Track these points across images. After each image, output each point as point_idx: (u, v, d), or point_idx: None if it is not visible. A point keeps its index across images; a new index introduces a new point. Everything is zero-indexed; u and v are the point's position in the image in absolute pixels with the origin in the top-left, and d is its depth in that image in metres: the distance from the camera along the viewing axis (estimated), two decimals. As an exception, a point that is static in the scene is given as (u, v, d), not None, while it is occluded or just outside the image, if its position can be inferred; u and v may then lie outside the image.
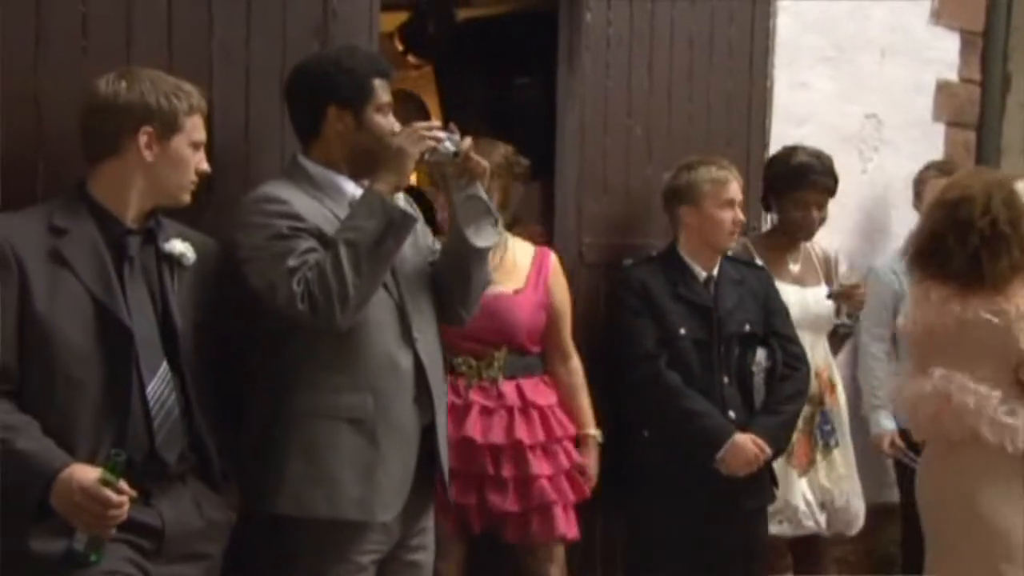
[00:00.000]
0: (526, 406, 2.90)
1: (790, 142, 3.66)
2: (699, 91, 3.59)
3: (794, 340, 3.22)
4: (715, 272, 3.17)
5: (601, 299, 3.32)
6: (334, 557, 2.30)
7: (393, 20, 4.47)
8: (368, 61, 2.39)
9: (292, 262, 2.18)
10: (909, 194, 4.07)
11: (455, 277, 2.44)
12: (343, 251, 2.17)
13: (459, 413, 2.82)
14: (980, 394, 2.68)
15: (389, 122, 2.35)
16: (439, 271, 2.47)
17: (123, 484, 1.95)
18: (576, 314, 3.11)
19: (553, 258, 3.06)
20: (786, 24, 3.87)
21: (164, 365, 2.13)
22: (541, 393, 2.95)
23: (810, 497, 3.39)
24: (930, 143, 4.41)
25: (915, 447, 3.39)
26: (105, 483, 1.94)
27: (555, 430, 2.93)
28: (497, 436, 2.85)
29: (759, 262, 3.34)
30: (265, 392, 2.31)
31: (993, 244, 2.62)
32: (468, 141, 2.34)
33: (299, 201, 2.27)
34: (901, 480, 3.63)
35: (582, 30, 3.31)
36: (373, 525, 2.32)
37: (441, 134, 2.31)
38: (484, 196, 2.38)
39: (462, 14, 4.43)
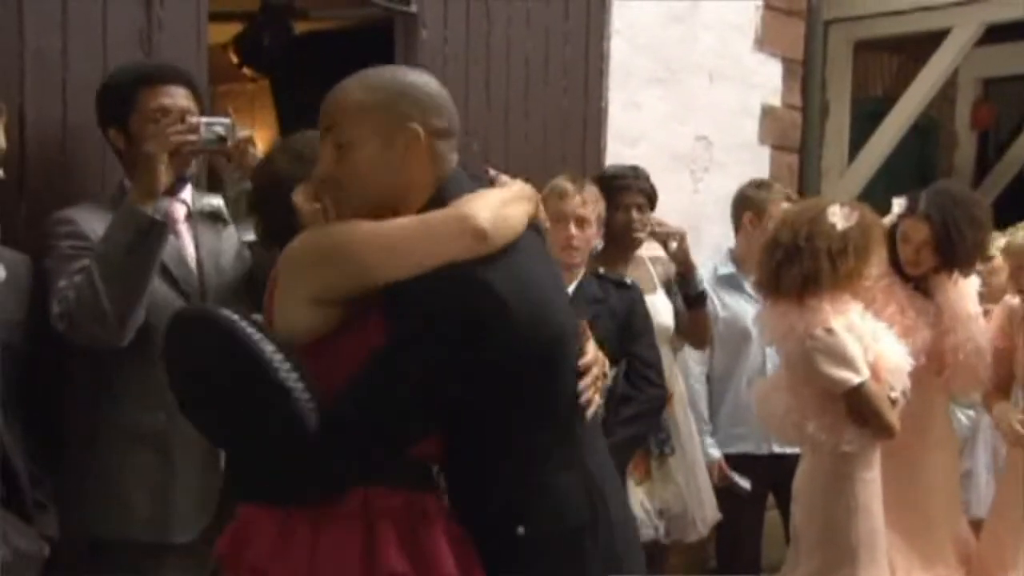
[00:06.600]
0: None
1: (624, 161, 3.71)
2: (535, 109, 3.64)
3: (647, 362, 3.07)
4: (570, 289, 2.93)
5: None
6: None
7: (227, 31, 4.37)
8: (128, 73, 2.31)
9: (62, 283, 2.14)
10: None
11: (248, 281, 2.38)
12: (95, 266, 2.12)
13: None
14: (782, 404, 2.90)
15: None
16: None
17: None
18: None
19: None
20: (619, 47, 3.97)
21: (-32, 389, 2.00)
22: None
23: (648, 506, 3.43)
24: (757, 165, 4.59)
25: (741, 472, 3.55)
26: None
27: None
28: None
29: (629, 280, 3.18)
30: (71, 415, 2.23)
31: (790, 255, 2.80)
32: (246, 132, 2.29)
33: (92, 221, 2.20)
34: (721, 505, 3.62)
35: (417, 47, 3.31)
36: (171, 548, 2.24)
37: (196, 120, 2.20)
38: None
39: (300, 27, 4.37)
